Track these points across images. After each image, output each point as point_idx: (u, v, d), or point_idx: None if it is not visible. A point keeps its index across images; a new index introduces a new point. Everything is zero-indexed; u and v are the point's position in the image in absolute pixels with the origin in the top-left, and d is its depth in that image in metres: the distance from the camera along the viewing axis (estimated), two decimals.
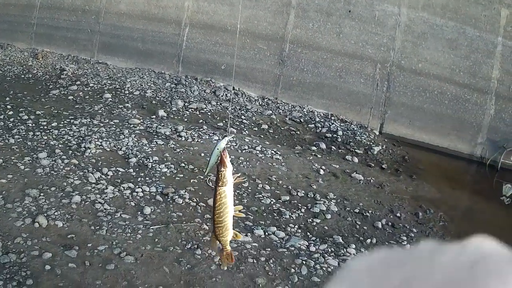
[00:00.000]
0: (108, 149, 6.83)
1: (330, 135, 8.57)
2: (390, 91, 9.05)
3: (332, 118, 9.11)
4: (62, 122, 7.43)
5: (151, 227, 5.29)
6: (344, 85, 9.26)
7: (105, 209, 5.51)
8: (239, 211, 3.67)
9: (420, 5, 8.96)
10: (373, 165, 7.93)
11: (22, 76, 9.45)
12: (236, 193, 6.24)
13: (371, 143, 8.53)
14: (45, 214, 5.21)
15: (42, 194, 5.57)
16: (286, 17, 9.49)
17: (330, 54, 9.33)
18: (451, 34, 8.83)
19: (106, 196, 5.75)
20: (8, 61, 10.23)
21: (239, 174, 4.02)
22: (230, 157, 6.79)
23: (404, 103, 9.06)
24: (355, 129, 8.88)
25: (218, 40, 9.86)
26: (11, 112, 7.47)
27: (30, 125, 7.27)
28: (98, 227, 5.15)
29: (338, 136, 8.54)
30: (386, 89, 9.06)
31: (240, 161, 7.10)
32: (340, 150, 8.17)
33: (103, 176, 6.18)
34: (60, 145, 6.74)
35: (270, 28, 9.52)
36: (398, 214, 6.61)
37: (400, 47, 9.04)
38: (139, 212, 5.54)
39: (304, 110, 9.25)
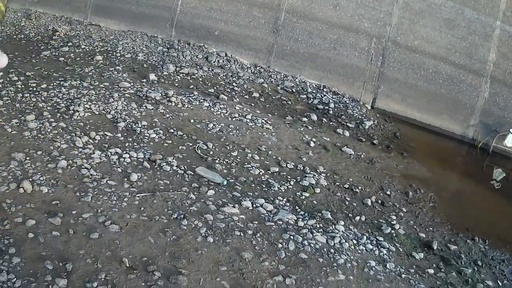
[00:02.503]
0: (97, 113, 6.72)
1: (322, 106, 8.53)
2: (384, 66, 9.00)
3: (325, 89, 9.07)
4: (52, 84, 7.31)
5: (137, 195, 5.21)
6: (338, 57, 9.20)
7: (91, 175, 5.41)
8: None
9: None
10: (364, 140, 7.91)
11: (14, 36, 9.29)
12: (225, 161, 6.20)
13: (363, 118, 8.50)
14: (30, 179, 5.09)
15: (28, 158, 5.45)
16: None
17: (326, 26, 9.26)
18: (450, 14, 8.77)
19: (93, 161, 5.66)
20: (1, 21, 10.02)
21: None
22: (219, 125, 6.76)
23: (397, 79, 9.02)
24: (347, 102, 8.85)
25: (213, 5, 9.75)
26: (0, 73, 7.33)
27: (19, 86, 7.13)
28: (83, 194, 5.05)
29: (330, 109, 8.50)
30: (380, 64, 9.01)
31: (230, 129, 7.04)
32: (331, 123, 8.14)
33: (91, 141, 6.08)
34: (48, 108, 6.62)
35: None
36: (388, 192, 6.60)
37: (397, 23, 8.98)
38: (126, 179, 5.46)
39: (296, 80, 9.19)
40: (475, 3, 8.64)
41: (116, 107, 6.95)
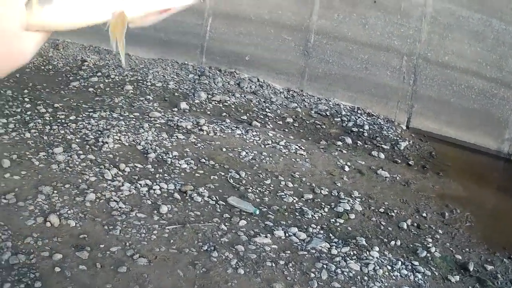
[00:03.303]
0: (127, 144, 6.63)
1: (356, 129, 8.36)
2: (417, 84, 8.81)
3: (359, 111, 8.89)
4: (81, 115, 7.24)
5: (166, 227, 5.10)
6: (370, 77, 9.03)
7: (120, 207, 5.31)
8: None
9: None
10: (399, 161, 7.72)
11: (42, 67, 9.23)
12: (258, 190, 6.07)
13: (398, 138, 8.31)
14: (58, 213, 5.03)
15: (55, 191, 5.38)
16: (311, 7, 9.23)
17: (356, 46, 9.10)
18: (477, 26, 8.56)
19: (122, 194, 5.56)
20: None
21: None
22: (252, 152, 6.64)
23: (430, 96, 8.82)
24: (382, 123, 8.66)
25: (242, 30, 9.64)
26: (28, 105, 7.27)
27: (48, 118, 7.04)
28: (111, 227, 4.97)
29: (365, 131, 8.32)
30: (412, 82, 8.82)
31: (263, 157, 6.89)
32: (366, 145, 7.96)
33: (120, 173, 5.98)
34: (77, 140, 6.55)
35: (294, 18, 9.30)
36: (424, 214, 6.39)
37: (427, 39, 8.79)
38: (155, 211, 5.35)
39: (330, 103, 9.02)
40: (502, 14, 8.41)
41: (147, 137, 6.85)
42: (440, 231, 6.12)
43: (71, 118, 7.13)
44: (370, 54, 9.02)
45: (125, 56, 1.27)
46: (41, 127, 6.78)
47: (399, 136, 8.39)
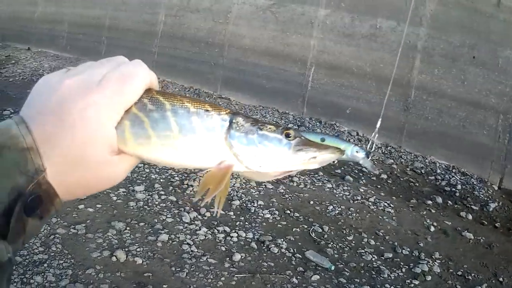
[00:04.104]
0: None
1: (449, 188, 8.04)
2: (511, 144, 8.34)
3: (453, 170, 8.55)
4: None
5: (235, 275, 4.93)
6: (467, 135, 8.71)
7: (192, 251, 5.23)
8: None
9: None
10: (486, 223, 7.34)
11: None
12: (338, 246, 5.85)
13: (488, 199, 7.93)
14: (126, 249, 5.01)
15: (128, 228, 5.38)
16: (412, 61, 9.07)
17: (454, 102, 8.83)
18: None
19: (197, 238, 5.47)
20: None
21: None
22: (340, 207, 6.41)
23: None
24: (475, 183, 8.29)
25: (344, 82, 9.50)
26: None
27: None
28: (179, 269, 4.88)
29: (457, 190, 7.99)
30: (507, 142, 8.40)
31: (350, 212, 6.66)
32: (456, 206, 7.62)
33: (199, 217, 5.91)
34: (161, 180, 6.55)
35: (395, 72, 9.07)
36: (501, 279, 6.00)
37: None
38: (228, 258, 5.22)
39: (426, 160, 8.72)
40: None
41: (234, 184, 6.76)
42: None
43: None
44: (468, 111, 8.74)
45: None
46: None
47: (490, 197, 8.00)
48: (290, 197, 6.76)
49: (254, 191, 6.71)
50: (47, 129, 1.01)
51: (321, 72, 9.71)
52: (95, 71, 1.08)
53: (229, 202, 6.37)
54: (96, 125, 1.03)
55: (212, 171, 1.16)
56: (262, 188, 6.82)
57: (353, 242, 6.06)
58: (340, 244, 5.93)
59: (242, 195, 6.56)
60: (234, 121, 1.17)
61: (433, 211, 7.29)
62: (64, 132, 1.01)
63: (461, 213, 7.38)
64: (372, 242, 6.13)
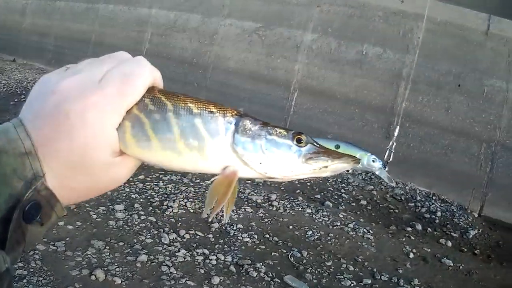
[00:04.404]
0: (192, 211, 6.56)
1: (429, 215, 8.09)
2: (493, 172, 8.53)
3: (433, 197, 8.63)
4: (150, 176, 7.23)
5: None
6: (449, 163, 8.80)
7: (171, 272, 5.18)
8: None
9: None
10: (465, 250, 7.39)
11: None
12: (317, 271, 5.86)
13: (468, 226, 7.99)
14: (105, 268, 4.96)
15: (107, 247, 5.35)
16: (396, 88, 9.14)
17: (437, 130, 8.93)
18: None
19: (176, 260, 5.44)
20: None
21: None
22: (319, 232, 6.42)
23: (506, 185, 8.52)
24: (455, 210, 8.36)
25: (327, 108, 9.54)
26: None
27: None
28: None
29: (437, 218, 8.04)
30: (489, 170, 8.51)
31: (329, 238, 6.66)
32: (435, 232, 7.65)
33: (179, 238, 5.89)
34: (141, 200, 6.52)
35: (379, 99, 9.15)
36: None
37: (506, 126, 8.56)
38: (207, 281, 5.18)
39: (406, 187, 8.77)
40: None
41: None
42: None
43: (139, 177, 7.13)
44: (450, 139, 8.83)
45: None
46: None
47: (470, 224, 8.08)
48: (269, 221, 6.74)
49: (233, 214, 6.69)
50: (45, 132, 0.99)
51: (304, 96, 9.74)
52: (94, 70, 1.06)
53: (208, 224, 6.33)
54: (97, 128, 1.00)
55: (217, 180, 1.13)
56: (241, 212, 6.81)
57: (332, 267, 6.05)
58: (319, 269, 5.91)
59: (222, 217, 6.52)
60: (240, 124, 1.13)
61: (413, 237, 7.31)
62: (62, 135, 0.99)
63: (441, 240, 7.42)
64: (351, 268, 6.11)
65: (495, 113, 8.61)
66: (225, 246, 5.96)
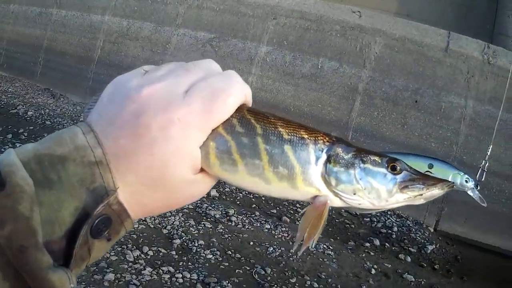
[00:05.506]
0: (152, 226, 6.44)
1: (385, 230, 8.17)
2: None
3: (389, 212, 8.72)
4: None
5: None
6: None
7: None
8: None
9: (487, 97, 8.71)
10: (425, 265, 7.49)
11: None
12: None
13: (425, 241, 8.13)
14: None
15: None
16: (352, 103, 9.19)
17: (393, 146, 9.00)
18: None
19: (143, 278, 5.32)
20: (59, 112, 10.04)
21: None
22: (280, 249, 6.38)
23: (462, 200, 8.58)
24: (411, 225, 8.49)
25: None
26: None
27: None
28: None
29: (393, 233, 8.13)
30: None
31: (290, 254, 6.63)
32: (393, 248, 7.75)
33: (143, 255, 5.76)
34: None
35: (334, 113, 9.19)
36: None
37: (463, 142, 8.75)
38: None
39: None
40: None
41: (173, 222, 6.66)
42: None
43: None
44: None
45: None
46: None
47: (427, 239, 8.21)
48: (229, 237, 6.68)
49: (193, 230, 6.60)
50: (121, 143, 0.92)
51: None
52: (180, 80, 0.98)
53: (170, 240, 6.24)
54: (180, 145, 0.93)
55: (307, 212, 1.08)
56: (201, 227, 6.72)
57: (297, 284, 6.03)
58: (284, 287, 5.89)
59: (182, 233, 6.43)
60: (332, 152, 1.09)
61: (372, 253, 7.37)
62: (142, 149, 0.92)
63: (400, 255, 7.50)
64: (316, 285, 6.10)
65: (452, 129, 8.74)
66: (189, 263, 5.87)
